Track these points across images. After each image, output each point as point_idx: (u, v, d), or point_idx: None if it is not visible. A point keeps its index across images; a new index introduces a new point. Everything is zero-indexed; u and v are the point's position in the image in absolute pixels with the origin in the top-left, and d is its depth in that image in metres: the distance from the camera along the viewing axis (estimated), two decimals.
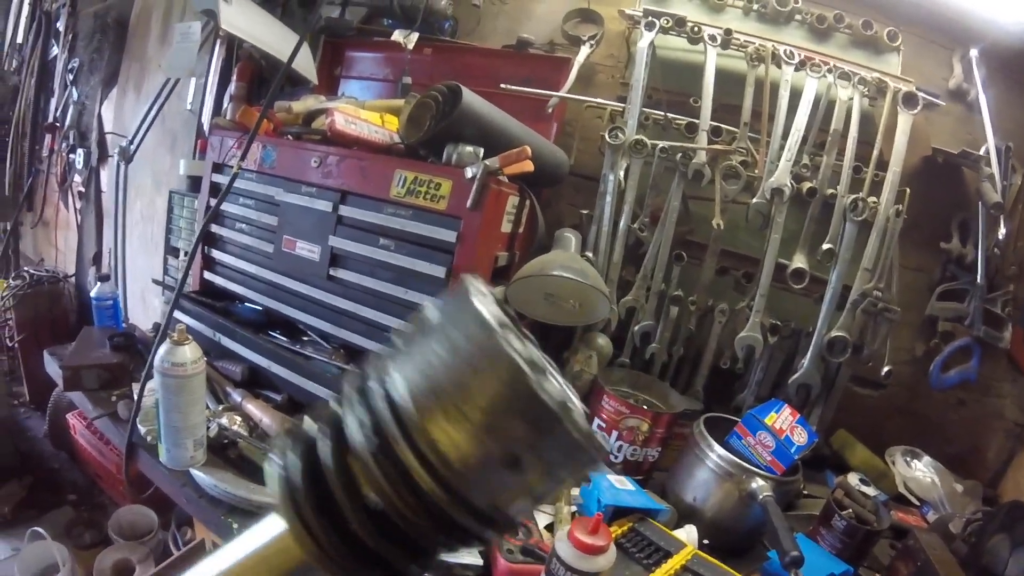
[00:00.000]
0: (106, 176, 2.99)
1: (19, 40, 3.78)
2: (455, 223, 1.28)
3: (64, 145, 3.14)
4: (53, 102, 3.36)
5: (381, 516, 0.28)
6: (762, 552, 1.26)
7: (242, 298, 1.72)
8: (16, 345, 3.15)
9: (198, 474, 1.23)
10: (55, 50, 3.44)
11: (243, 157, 1.31)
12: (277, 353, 1.52)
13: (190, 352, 1.16)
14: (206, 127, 2.25)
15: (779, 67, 1.67)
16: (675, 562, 1.11)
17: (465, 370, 0.27)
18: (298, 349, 1.54)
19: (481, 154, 1.30)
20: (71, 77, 3.13)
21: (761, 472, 1.26)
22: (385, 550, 0.28)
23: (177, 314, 1.78)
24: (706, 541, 1.23)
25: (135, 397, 1.46)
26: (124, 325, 1.84)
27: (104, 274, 1.84)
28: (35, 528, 2.36)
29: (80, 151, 3.03)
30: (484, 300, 0.29)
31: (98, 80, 2.94)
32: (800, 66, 1.67)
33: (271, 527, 0.32)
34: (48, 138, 3.33)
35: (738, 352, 1.59)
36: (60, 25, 3.37)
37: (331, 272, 1.47)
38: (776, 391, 1.68)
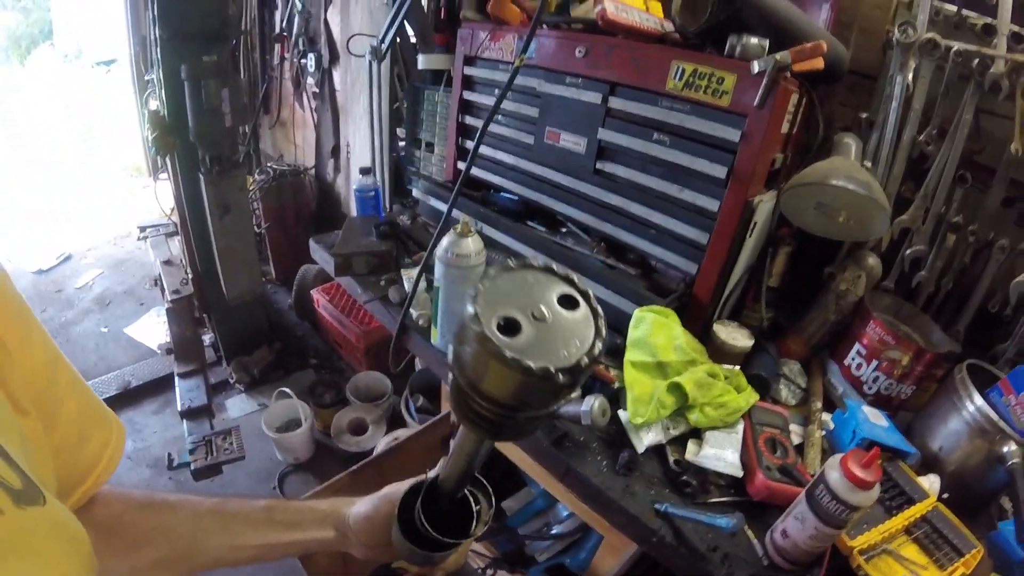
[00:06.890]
0: (339, 76, 3.24)
1: None
2: (739, 121, 1.22)
3: (295, 52, 3.46)
4: (277, 15, 3.66)
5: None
6: (992, 519, 1.16)
7: (498, 188, 1.78)
8: (264, 231, 3.72)
9: None
10: None
11: (524, 49, 1.33)
12: (541, 243, 1.58)
13: (473, 244, 1.22)
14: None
15: None
16: (916, 510, 1.06)
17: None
18: (559, 240, 1.59)
19: (767, 46, 1.21)
20: None
21: (1016, 436, 1.11)
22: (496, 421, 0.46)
23: (435, 203, 1.90)
24: (946, 495, 1.14)
25: (404, 283, 1.62)
26: (384, 214, 2.06)
27: (366, 167, 2.05)
28: (282, 388, 2.80)
29: (311, 55, 3.31)
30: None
31: None
32: None
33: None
34: (278, 47, 3.68)
35: (1011, 297, 1.38)
36: None
37: (598, 165, 1.48)
38: None
